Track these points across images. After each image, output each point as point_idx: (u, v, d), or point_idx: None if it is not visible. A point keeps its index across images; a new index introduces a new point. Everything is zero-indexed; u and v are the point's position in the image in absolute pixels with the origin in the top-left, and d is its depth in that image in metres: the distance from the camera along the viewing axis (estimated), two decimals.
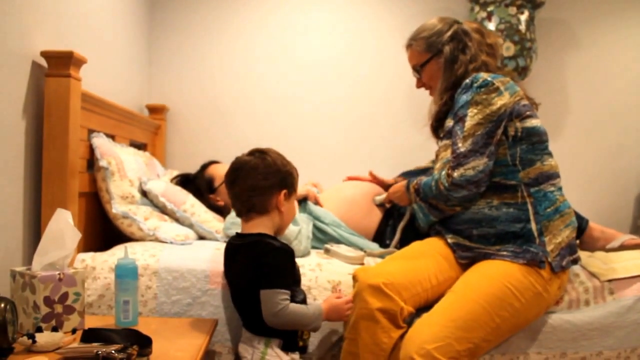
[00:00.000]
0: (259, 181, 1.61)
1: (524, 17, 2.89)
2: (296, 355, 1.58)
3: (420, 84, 2.04)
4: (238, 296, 1.64)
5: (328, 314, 1.60)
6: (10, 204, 1.70)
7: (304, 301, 1.62)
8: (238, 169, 1.64)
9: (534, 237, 1.69)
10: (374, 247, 2.18)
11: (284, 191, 1.63)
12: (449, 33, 1.92)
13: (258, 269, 1.53)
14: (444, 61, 1.92)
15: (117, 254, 1.88)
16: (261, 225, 1.62)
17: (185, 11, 3.20)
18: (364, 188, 2.37)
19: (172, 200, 2.24)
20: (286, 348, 1.57)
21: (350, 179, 2.44)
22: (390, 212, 2.30)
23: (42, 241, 1.53)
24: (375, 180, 2.40)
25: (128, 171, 2.15)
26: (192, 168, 2.66)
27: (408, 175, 2.32)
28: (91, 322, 1.60)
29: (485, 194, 1.75)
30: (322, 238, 2.18)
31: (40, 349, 1.34)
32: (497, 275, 1.64)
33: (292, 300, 1.55)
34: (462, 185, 1.72)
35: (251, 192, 1.61)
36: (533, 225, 1.70)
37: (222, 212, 2.37)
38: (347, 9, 3.24)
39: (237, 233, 1.67)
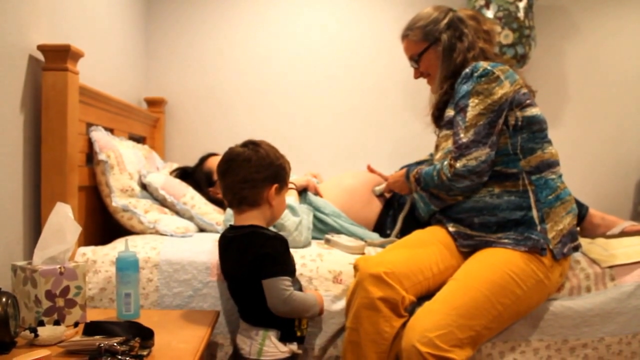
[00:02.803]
0: (251, 174, 1.60)
1: (522, 4, 2.88)
2: (294, 346, 1.59)
3: (418, 74, 2.03)
4: (235, 288, 1.65)
5: (320, 301, 1.64)
6: (10, 198, 1.70)
7: (299, 290, 1.62)
8: (231, 160, 1.63)
9: (535, 225, 1.69)
10: (375, 237, 2.19)
11: (276, 185, 1.63)
12: (445, 21, 1.91)
13: (256, 260, 1.53)
14: (442, 50, 1.91)
15: (117, 247, 1.88)
16: (253, 218, 1.62)
17: (183, 3, 3.19)
18: (364, 178, 2.37)
19: (171, 193, 2.24)
20: (284, 339, 1.57)
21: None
22: (391, 202, 2.30)
23: (43, 235, 1.53)
24: (373, 173, 2.40)
25: (127, 164, 2.15)
26: (191, 160, 2.66)
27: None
28: (93, 315, 1.60)
29: (486, 182, 1.75)
30: (322, 228, 2.18)
31: (43, 343, 1.34)
32: (498, 262, 1.64)
33: None
34: (464, 176, 1.72)
35: (243, 184, 1.60)
36: (534, 213, 1.70)
37: (222, 204, 2.37)
38: (345, 0, 3.23)
39: (230, 225, 1.67)
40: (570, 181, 1.98)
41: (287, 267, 1.57)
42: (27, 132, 1.78)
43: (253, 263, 1.54)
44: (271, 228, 1.67)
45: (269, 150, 1.64)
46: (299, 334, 1.60)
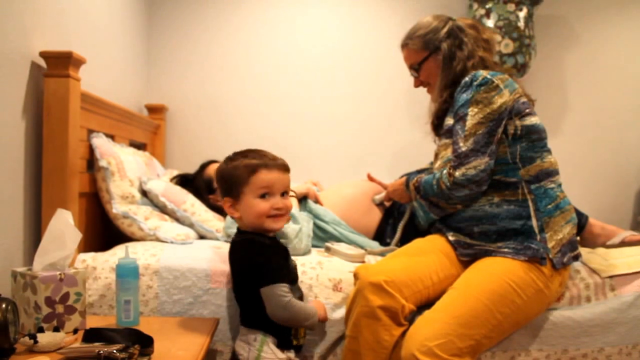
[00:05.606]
0: (218, 188, 1.70)
1: (522, 13, 2.89)
2: (291, 354, 1.58)
3: (418, 83, 2.04)
4: (235, 292, 1.66)
5: (318, 311, 1.62)
6: (11, 204, 1.70)
7: (300, 298, 1.63)
8: None
9: (534, 234, 1.69)
10: (375, 245, 2.18)
11: (227, 198, 1.62)
12: (445, 30, 1.92)
13: (253, 269, 1.55)
14: (442, 58, 1.91)
15: (117, 253, 1.88)
16: (242, 225, 1.64)
17: (184, 11, 3.20)
18: (364, 187, 2.37)
19: (172, 200, 2.24)
20: (281, 346, 1.57)
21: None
22: (391, 211, 2.30)
23: (43, 241, 1.53)
24: (373, 182, 2.41)
25: (128, 171, 2.15)
26: (192, 167, 2.67)
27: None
28: (92, 322, 1.60)
29: (486, 191, 1.75)
30: (322, 236, 2.18)
31: (42, 349, 1.34)
32: (498, 272, 1.64)
33: None
34: (463, 185, 1.72)
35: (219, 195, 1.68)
36: (534, 222, 1.70)
37: (222, 211, 2.36)
38: (345, 7, 3.24)
39: (238, 229, 1.68)
40: (570, 190, 1.98)
41: (284, 274, 1.56)
42: (28, 138, 1.78)
43: (250, 271, 1.55)
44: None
45: (230, 162, 1.63)
46: (295, 342, 1.60)
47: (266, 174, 1.58)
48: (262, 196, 1.58)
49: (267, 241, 1.59)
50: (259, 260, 1.54)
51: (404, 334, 1.60)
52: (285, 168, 1.63)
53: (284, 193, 1.62)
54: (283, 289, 1.52)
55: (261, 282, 1.52)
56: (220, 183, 1.64)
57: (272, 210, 1.58)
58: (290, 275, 1.61)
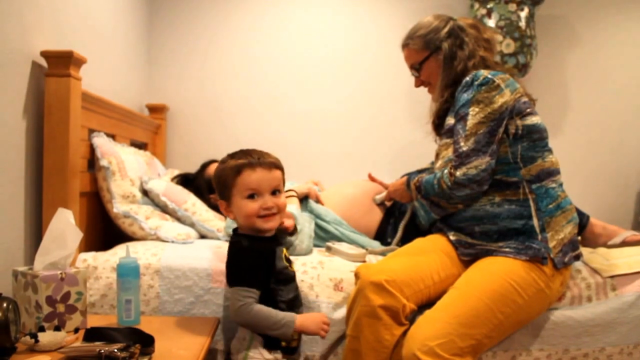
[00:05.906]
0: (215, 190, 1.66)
1: (523, 13, 2.89)
2: (279, 355, 1.56)
3: (419, 82, 2.04)
4: None
5: (303, 323, 1.53)
6: (12, 203, 1.70)
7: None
8: None
9: (536, 234, 1.69)
10: (376, 245, 2.18)
11: (220, 201, 1.61)
12: (445, 29, 1.92)
13: (227, 269, 1.57)
14: (443, 58, 1.91)
15: (118, 253, 1.88)
16: (239, 226, 1.62)
17: (185, 10, 3.20)
18: (365, 187, 2.37)
19: (173, 200, 2.24)
20: (268, 346, 1.54)
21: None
22: (392, 211, 2.30)
23: (44, 241, 1.53)
24: (374, 182, 2.41)
25: (129, 170, 2.15)
26: (193, 167, 2.67)
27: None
28: (93, 321, 1.60)
29: (487, 191, 1.75)
30: (323, 236, 2.18)
31: (43, 349, 1.34)
32: (499, 271, 1.64)
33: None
34: (464, 184, 1.72)
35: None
36: (535, 222, 1.70)
37: None
38: (346, 7, 3.24)
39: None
40: (571, 190, 1.98)
41: (251, 278, 1.51)
42: (29, 137, 1.78)
43: (227, 271, 1.57)
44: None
45: (222, 164, 1.61)
46: (284, 344, 1.56)
47: (250, 174, 1.54)
48: (251, 196, 1.55)
49: (246, 243, 1.55)
50: (230, 263, 1.55)
51: (405, 333, 1.60)
52: (271, 165, 1.56)
53: (276, 191, 1.57)
54: (242, 293, 1.49)
55: (229, 282, 1.54)
56: (215, 186, 1.63)
57: (262, 210, 1.54)
58: (277, 277, 1.56)
